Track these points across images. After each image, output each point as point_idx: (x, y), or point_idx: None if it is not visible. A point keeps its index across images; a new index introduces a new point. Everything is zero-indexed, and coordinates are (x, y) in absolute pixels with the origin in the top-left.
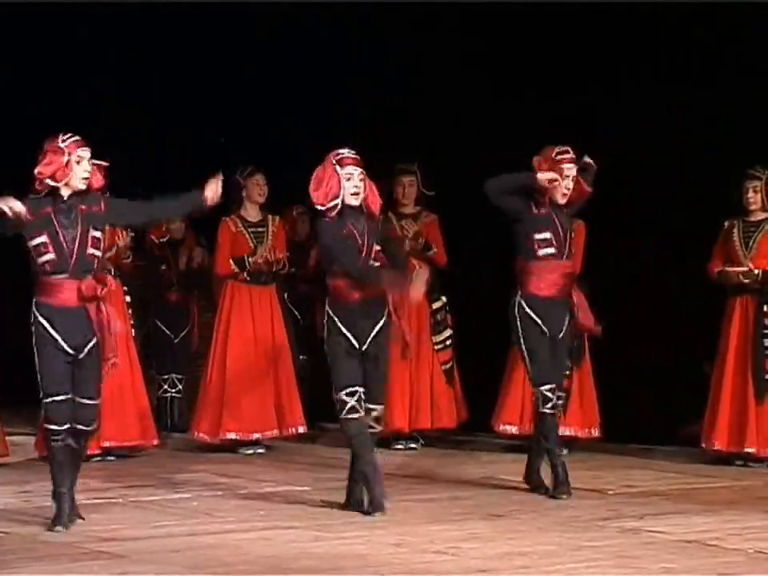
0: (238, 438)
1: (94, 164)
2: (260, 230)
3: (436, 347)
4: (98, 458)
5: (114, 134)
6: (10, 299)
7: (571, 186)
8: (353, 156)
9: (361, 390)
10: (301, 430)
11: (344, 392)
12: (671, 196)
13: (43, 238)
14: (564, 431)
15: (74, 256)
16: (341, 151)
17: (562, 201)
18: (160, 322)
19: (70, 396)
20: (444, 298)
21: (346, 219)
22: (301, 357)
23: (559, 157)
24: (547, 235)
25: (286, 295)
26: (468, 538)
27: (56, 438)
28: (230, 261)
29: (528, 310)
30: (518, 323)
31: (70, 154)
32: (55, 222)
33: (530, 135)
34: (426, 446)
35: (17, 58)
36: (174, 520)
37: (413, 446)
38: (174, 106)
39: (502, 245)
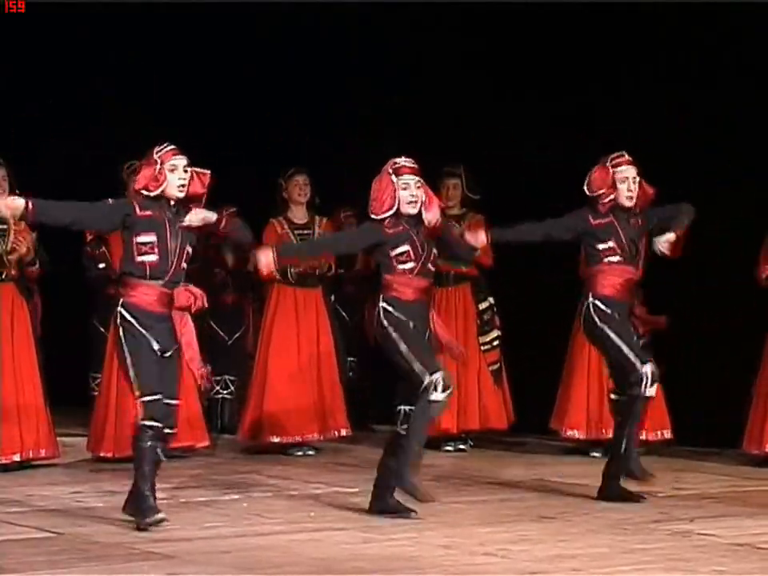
0: (280, 441)
1: (194, 171)
2: (306, 232)
3: (483, 348)
4: None
5: (114, 133)
6: (61, 303)
7: (634, 187)
8: (409, 165)
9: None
10: (344, 432)
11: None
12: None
13: (152, 238)
14: None
15: (173, 264)
16: (397, 160)
17: (628, 204)
18: (214, 324)
19: (163, 394)
20: (491, 299)
21: (404, 226)
22: (349, 359)
23: (614, 161)
24: (611, 244)
25: (332, 297)
26: (518, 540)
27: (151, 437)
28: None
29: (594, 312)
30: (597, 323)
31: (162, 163)
32: (167, 225)
33: (530, 135)
34: (475, 447)
35: (17, 58)
36: (225, 521)
37: (462, 447)
38: (174, 105)
39: (551, 245)
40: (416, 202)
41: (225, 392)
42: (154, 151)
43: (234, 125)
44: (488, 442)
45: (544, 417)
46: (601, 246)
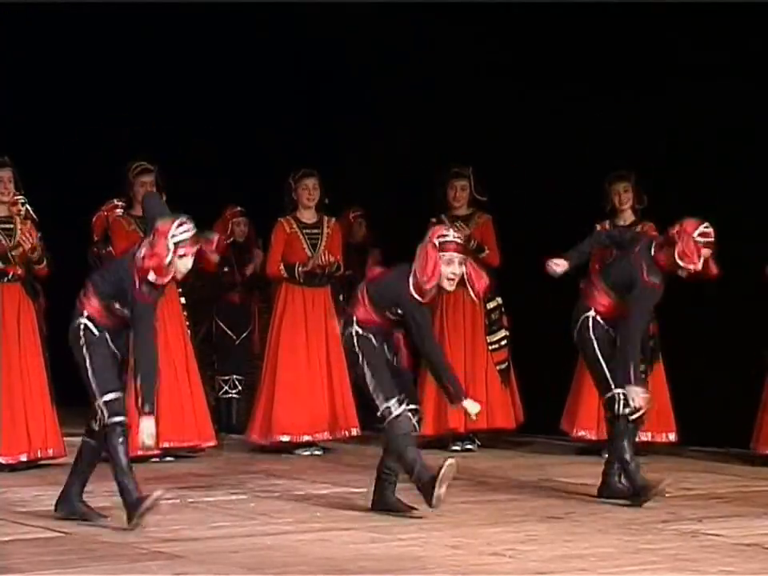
0: (288, 440)
1: (202, 246)
2: (315, 231)
3: (491, 347)
4: (157, 459)
5: (119, 134)
6: (68, 303)
7: (700, 267)
8: (457, 241)
9: None
10: (354, 432)
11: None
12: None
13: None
14: (640, 436)
15: None
16: (445, 233)
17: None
18: (222, 323)
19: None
20: (499, 299)
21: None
22: None
23: (702, 240)
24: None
25: (341, 297)
26: (525, 540)
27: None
28: (281, 264)
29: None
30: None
31: (174, 253)
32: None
33: (537, 137)
34: (482, 447)
35: (16, 58)
36: (232, 521)
37: (469, 447)
38: (179, 106)
39: (558, 245)
40: (455, 280)
41: (233, 391)
42: (170, 234)
43: (240, 124)
44: (496, 441)
45: (552, 416)
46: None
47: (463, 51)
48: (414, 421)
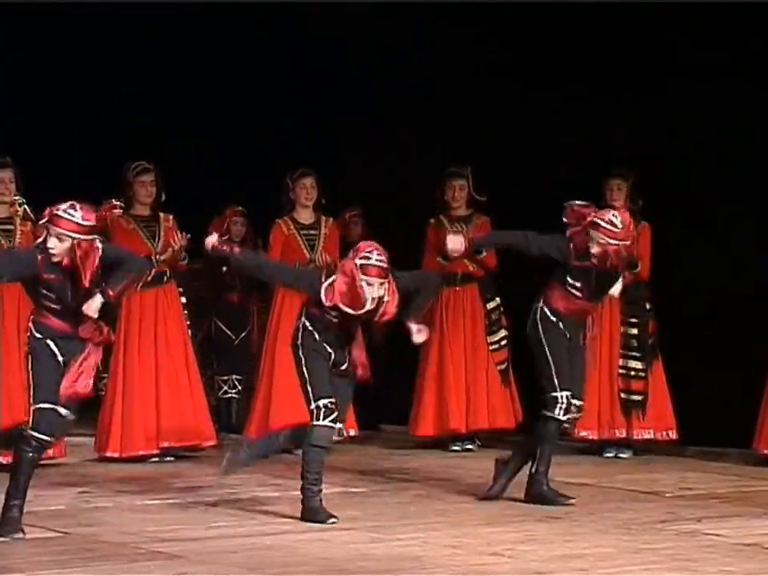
0: None
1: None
2: (312, 232)
3: (491, 347)
4: (156, 459)
5: (119, 136)
6: None
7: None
8: (379, 265)
9: None
10: (352, 432)
11: None
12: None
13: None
14: (642, 434)
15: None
16: (368, 255)
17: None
18: (221, 323)
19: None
20: (498, 299)
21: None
22: None
23: (604, 235)
24: (579, 284)
25: None
26: (525, 540)
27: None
28: None
29: (540, 319)
30: (539, 329)
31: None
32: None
33: (536, 136)
34: (482, 447)
35: (16, 59)
36: (232, 521)
37: (469, 447)
38: (179, 106)
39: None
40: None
41: (232, 391)
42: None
43: (240, 124)
44: (496, 441)
45: None
46: (569, 280)
47: (463, 51)
48: (337, 428)
